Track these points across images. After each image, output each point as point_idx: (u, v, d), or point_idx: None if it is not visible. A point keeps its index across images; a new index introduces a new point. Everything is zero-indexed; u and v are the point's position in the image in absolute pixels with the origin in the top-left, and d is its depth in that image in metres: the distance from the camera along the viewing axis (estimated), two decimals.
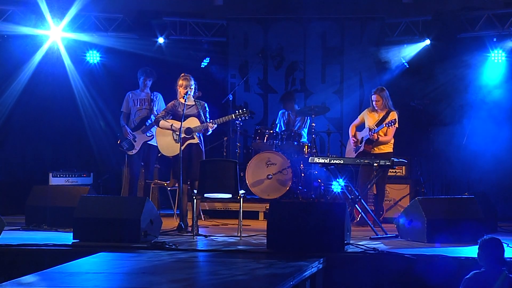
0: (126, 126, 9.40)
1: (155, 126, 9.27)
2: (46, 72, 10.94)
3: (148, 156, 9.44)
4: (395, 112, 8.96)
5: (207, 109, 8.37)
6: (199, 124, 8.17)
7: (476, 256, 5.14)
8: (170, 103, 8.41)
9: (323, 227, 6.77)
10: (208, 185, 7.88)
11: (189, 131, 8.08)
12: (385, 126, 8.74)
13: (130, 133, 9.34)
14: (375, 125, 8.87)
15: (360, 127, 9.24)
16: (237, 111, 8.27)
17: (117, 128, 9.82)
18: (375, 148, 8.90)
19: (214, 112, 8.47)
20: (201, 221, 9.26)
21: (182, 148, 8.01)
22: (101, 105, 11.31)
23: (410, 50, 10.99)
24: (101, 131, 11.34)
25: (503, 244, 5.21)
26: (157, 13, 11.21)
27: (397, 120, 8.81)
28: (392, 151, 8.96)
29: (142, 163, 9.49)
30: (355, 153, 9.03)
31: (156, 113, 9.32)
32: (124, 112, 9.51)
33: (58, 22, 10.56)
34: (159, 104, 9.46)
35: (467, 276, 4.95)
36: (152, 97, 9.45)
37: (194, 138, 8.15)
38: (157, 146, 9.16)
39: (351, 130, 9.22)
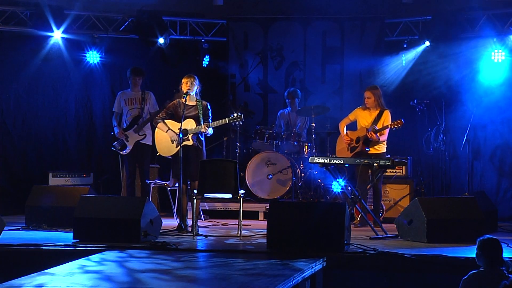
0: (117, 126, 9.40)
1: (149, 125, 9.32)
2: (47, 72, 10.94)
3: (141, 155, 9.43)
4: (388, 111, 8.98)
5: (209, 108, 8.36)
6: (195, 126, 8.17)
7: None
8: (171, 102, 8.41)
9: (323, 227, 6.77)
10: (208, 185, 7.88)
11: (185, 132, 8.08)
12: (390, 126, 8.71)
13: (122, 133, 9.35)
14: (376, 126, 8.85)
15: (351, 126, 9.23)
16: (231, 116, 8.25)
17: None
18: (371, 148, 8.92)
19: (214, 113, 8.47)
20: (201, 221, 9.27)
21: (178, 149, 8.02)
22: (101, 105, 11.31)
23: (410, 54, 10.99)
24: (101, 131, 11.35)
25: (502, 244, 5.22)
26: (157, 13, 11.20)
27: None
28: (385, 151, 8.99)
29: (137, 163, 9.48)
30: (351, 152, 9.03)
31: (147, 111, 9.37)
32: (116, 112, 9.54)
33: (58, 22, 10.56)
34: (151, 102, 9.47)
35: (466, 277, 4.96)
36: (143, 95, 9.46)
37: (189, 140, 8.14)
38: (151, 145, 9.21)
39: (341, 128, 9.21)
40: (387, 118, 8.88)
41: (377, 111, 8.97)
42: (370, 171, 8.50)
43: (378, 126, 8.84)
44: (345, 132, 9.18)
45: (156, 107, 9.46)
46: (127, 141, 9.37)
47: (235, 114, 8.23)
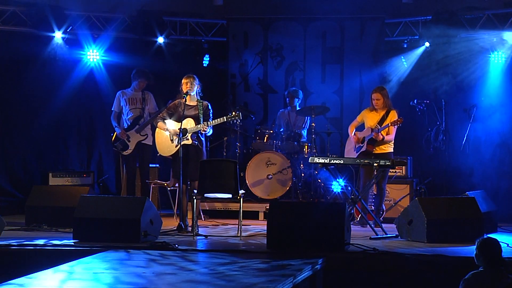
0: (118, 127, 9.39)
1: (149, 125, 9.32)
2: (47, 72, 10.94)
3: (142, 155, 9.44)
4: (395, 111, 8.97)
5: (210, 109, 8.36)
6: (194, 125, 8.17)
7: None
8: (172, 102, 8.41)
9: (323, 227, 6.77)
10: (208, 185, 7.88)
11: (184, 132, 8.08)
12: (391, 125, 8.72)
13: (124, 133, 9.35)
14: (378, 125, 8.84)
15: (359, 127, 9.23)
16: (229, 114, 8.28)
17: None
18: (376, 148, 8.89)
19: (215, 113, 8.48)
20: (201, 221, 9.27)
21: (178, 148, 8.02)
22: (101, 105, 11.31)
23: (410, 54, 10.98)
24: (101, 131, 11.35)
25: (502, 244, 5.21)
26: (157, 13, 11.21)
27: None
28: (392, 151, 8.97)
29: (137, 163, 9.48)
30: (357, 152, 9.02)
31: (147, 112, 9.37)
32: (115, 111, 9.52)
33: (58, 22, 10.56)
34: (151, 103, 9.48)
35: (466, 277, 4.96)
36: (143, 96, 9.46)
37: (188, 139, 8.14)
38: (151, 145, 9.22)
39: (350, 131, 9.21)
40: (393, 117, 8.86)
41: (384, 111, 8.96)
42: (374, 171, 8.47)
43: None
44: (353, 134, 9.17)
45: (156, 108, 9.46)
46: (129, 141, 9.37)
47: (233, 112, 8.25)
